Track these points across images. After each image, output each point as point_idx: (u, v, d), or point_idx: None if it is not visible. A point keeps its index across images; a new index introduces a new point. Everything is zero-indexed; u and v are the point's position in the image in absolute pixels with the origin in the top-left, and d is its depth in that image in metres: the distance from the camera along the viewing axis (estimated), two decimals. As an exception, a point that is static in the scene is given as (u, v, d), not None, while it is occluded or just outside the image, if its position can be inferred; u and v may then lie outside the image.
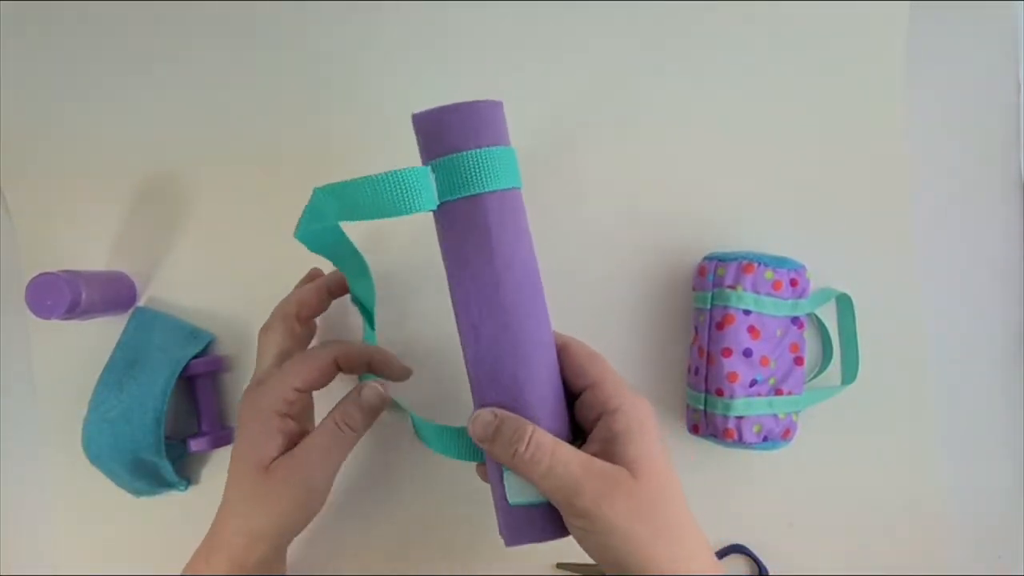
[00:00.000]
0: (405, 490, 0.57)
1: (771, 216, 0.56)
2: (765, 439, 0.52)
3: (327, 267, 0.51)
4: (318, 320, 0.53)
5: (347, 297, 0.52)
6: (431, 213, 0.42)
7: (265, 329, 0.49)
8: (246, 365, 0.57)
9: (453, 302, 0.43)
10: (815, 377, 0.56)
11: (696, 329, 0.54)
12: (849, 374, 0.56)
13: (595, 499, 0.37)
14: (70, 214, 0.58)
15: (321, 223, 0.41)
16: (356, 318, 0.56)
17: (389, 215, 0.39)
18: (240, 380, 0.57)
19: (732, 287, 0.51)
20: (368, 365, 0.49)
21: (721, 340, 0.52)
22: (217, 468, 0.57)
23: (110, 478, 0.56)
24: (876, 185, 0.56)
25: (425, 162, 0.41)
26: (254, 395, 0.45)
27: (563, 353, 0.43)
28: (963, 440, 0.56)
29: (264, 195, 0.57)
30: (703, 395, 0.52)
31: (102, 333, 0.56)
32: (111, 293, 0.55)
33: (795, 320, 0.54)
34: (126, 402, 0.55)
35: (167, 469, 0.55)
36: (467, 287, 0.42)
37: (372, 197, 0.39)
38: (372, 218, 0.39)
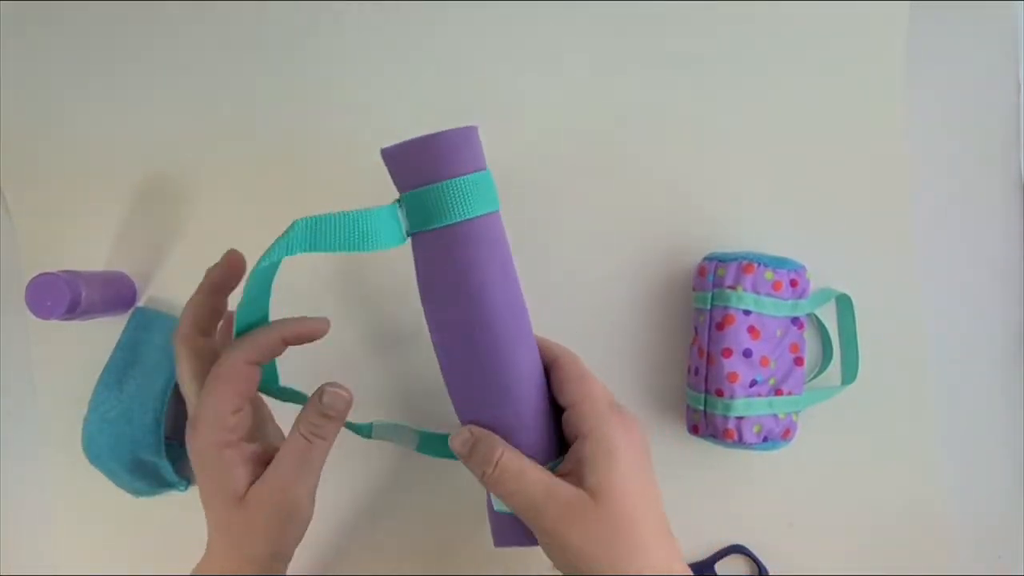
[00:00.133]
0: (405, 490, 0.57)
1: (771, 216, 0.56)
2: (765, 439, 0.52)
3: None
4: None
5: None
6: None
7: (176, 360, 0.44)
8: (246, 365, 0.57)
9: (428, 325, 0.43)
10: (815, 377, 0.56)
11: (696, 329, 0.54)
12: (849, 374, 0.56)
13: (555, 522, 0.39)
14: (70, 214, 0.58)
15: (288, 254, 0.40)
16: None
17: (355, 251, 0.40)
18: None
19: (732, 287, 0.51)
20: (284, 342, 0.44)
21: (721, 340, 0.52)
22: (217, 468, 0.57)
23: (110, 478, 0.56)
24: (876, 185, 0.56)
25: (400, 192, 0.42)
26: (193, 440, 0.41)
27: (552, 368, 0.43)
28: (963, 440, 0.56)
29: (264, 195, 0.57)
30: (703, 395, 0.52)
31: (102, 333, 0.56)
32: (111, 293, 0.55)
33: (795, 320, 0.54)
34: (126, 402, 0.55)
35: (167, 469, 0.55)
36: (441, 315, 0.42)
37: (337, 235, 0.39)
38: (339, 251, 0.40)
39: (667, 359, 0.56)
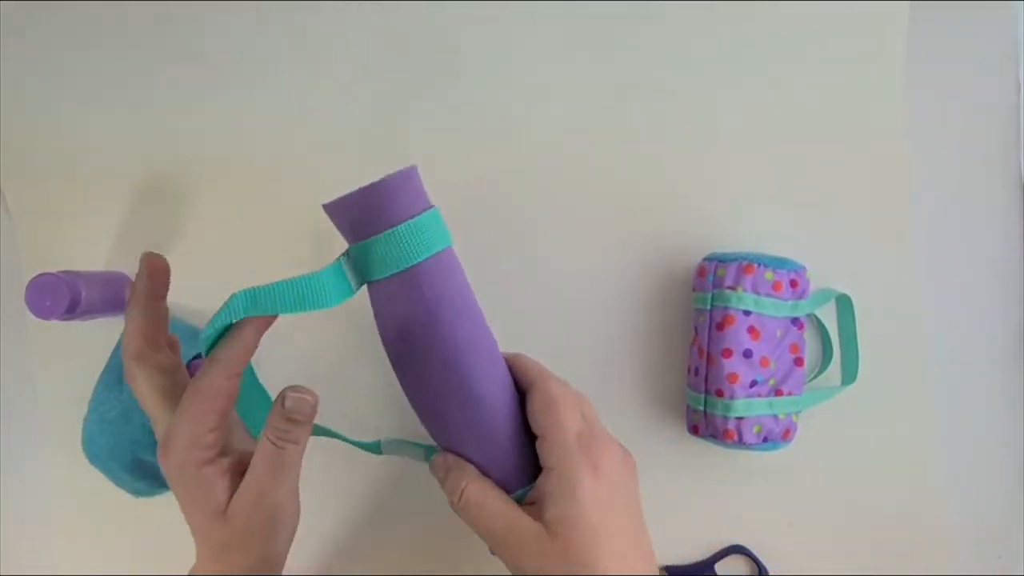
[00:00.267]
0: (405, 492, 0.57)
1: (771, 216, 0.56)
2: (765, 439, 0.52)
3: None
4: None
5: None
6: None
7: (130, 379, 0.43)
8: (246, 365, 0.57)
9: (392, 366, 0.43)
10: (815, 377, 0.56)
11: (696, 330, 0.54)
12: (849, 374, 0.56)
13: (513, 554, 0.41)
14: (70, 214, 0.58)
15: (233, 319, 0.40)
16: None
17: (302, 312, 0.39)
18: (240, 380, 0.57)
19: (732, 288, 0.51)
20: (257, 332, 0.42)
21: (721, 341, 0.52)
22: (217, 468, 0.57)
23: (110, 478, 0.56)
24: (876, 185, 0.56)
25: (348, 243, 0.42)
26: (166, 460, 0.40)
27: (527, 395, 0.44)
28: (963, 440, 0.56)
29: (264, 195, 0.57)
30: (703, 396, 0.52)
31: (102, 333, 0.56)
32: (111, 293, 0.55)
33: (795, 321, 0.54)
34: (126, 402, 0.55)
35: (167, 469, 0.55)
36: (403, 357, 0.42)
37: (280, 303, 0.39)
38: (287, 313, 0.40)
39: (667, 359, 0.56)
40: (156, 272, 0.43)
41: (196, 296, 0.57)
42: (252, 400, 0.47)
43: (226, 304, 0.40)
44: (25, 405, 0.58)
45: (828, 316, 0.56)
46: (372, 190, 0.40)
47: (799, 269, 0.53)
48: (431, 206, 0.42)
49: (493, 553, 0.43)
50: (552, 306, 0.57)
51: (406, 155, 0.57)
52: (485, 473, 0.44)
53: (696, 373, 0.53)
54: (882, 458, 0.56)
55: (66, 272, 0.51)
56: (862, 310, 0.56)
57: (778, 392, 0.53)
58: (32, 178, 0.58)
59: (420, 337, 0.41)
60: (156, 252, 0.43)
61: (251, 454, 0.41)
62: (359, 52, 0.58)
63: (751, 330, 0.51)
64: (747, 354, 0.51)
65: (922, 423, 0.56)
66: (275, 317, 0.42)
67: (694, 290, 0.55)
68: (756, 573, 0.56)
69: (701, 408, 0.53)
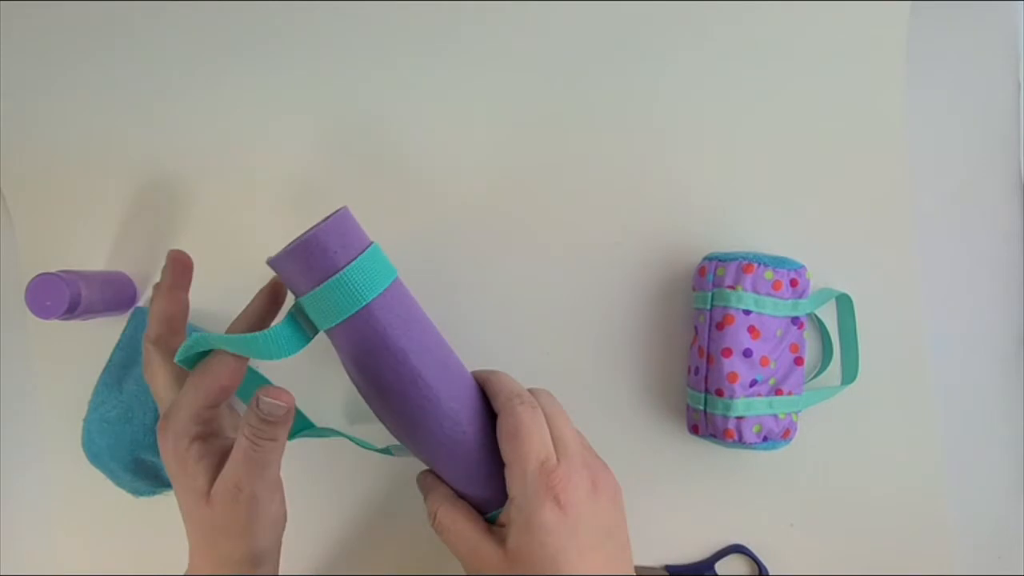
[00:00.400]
0: (405, 492, 0.57)
1: (771, 216, 0.56)
2: (765, 439, 0.52)
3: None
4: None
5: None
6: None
7: (147, 363, 0.46)
8: (246, 365, 0.57)
9: (362, 397, 0.44)
10: (815, 377, 0.56)
11: (696, 329, 0.54)
12: (849, 374, 0.56)
13: (476, 573, 0.42)
14: (70, 214, 0.58)
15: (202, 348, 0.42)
16: None
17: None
18: (240, 380, 0.57)
19: (732, 287, 0.51)
20: (272, 300, 0.45)
21: (721, 340, 0.52)
22: (217, 468, 0.57)
23: (110, 478, 0.56)
24: (876, 185, 0.56)
25: (296, 297, 0.42)
26: (166, 434, 0.42)
27: (497, 420, 0.44)
28: (963, 440, 0.56)
29: (264, 195, 0.57)
30: (703, 395, 0.52)
31: (102, 333, 0.56)
32: (111, 293, 0.55)
33: (795, 320, 0.54)
34: (126, 402, 0.55)
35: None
36: (372, 392, 0.43)
37: (238, 350, 0.42)
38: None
39: (667, 359, 0.56)
40: (178, 265, 0.46)
41: (196, 296, 0.57)
42: (252, 389, 0.47)
43: (184, 347, 0.42)
44: (25, 405, 0.58)
45: (828, 316, 0.56)
46: (306, 243, 0.40)
47: (799, 268, 0.53)
48: (369, 244, 0.42)
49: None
50: (552, 306, 0.57)
51: (406, 153, 0.57)
52: (461, 493, 0.44)
53: (696, 373, 0.53)
54: (882, 458, 0.56)
55: (66, 272, 0.51)
56: (862, 310, 0.56)
57: (778, 392, 0.53)
58: (32, 178, 0.58)
59: (380, 372, 0.42)
60: (181, 249, 0.47)
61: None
62: (359, 51, 0.58)
63: (751, 329, 0.51)
64: (747, 353, 0.51)
65: (922, 423, 0.56)
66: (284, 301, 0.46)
67: (694, 290, 0.55)
68: (756, 573, 0.56)
69: (701, 408, 0.53)
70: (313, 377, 0.55)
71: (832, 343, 0.56)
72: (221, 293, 0.57)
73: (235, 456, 0.41)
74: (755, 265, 0.52)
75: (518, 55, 0.57)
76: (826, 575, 0.56)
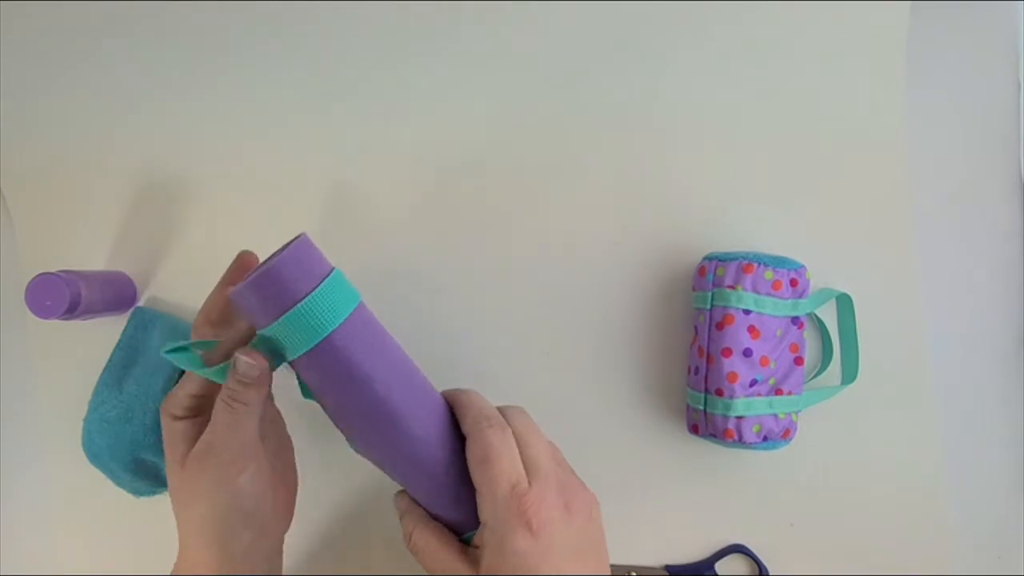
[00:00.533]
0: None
1: (771, 216, 0.56)
2: (765, 439, 0.52)
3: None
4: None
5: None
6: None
7: None
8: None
9: (331, 420, 0.44)
10: (815, 377, 0.56)
11: (696, 329, 0.54)
12: (849, 374, 0.56)
13: None
14: (70, 214, 0.58)
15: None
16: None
17: None
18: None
19: (732, 287, 0.51)
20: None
21: (721, 340, 0.52)
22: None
23: (110, 478, 0.56)
24: (876, 185, 0.56)
25: (258, 330, 0.42)
26: (163, 408, 0.45)
27: (466, 445, 0.44)
28: (963, 440, 0.56)
29: (264, 195, 0.57)
30: (703, 395, 0.52)
31: (102, 333, 0.56)
32: (111, 293, 0.55)
33: (795, 320, 0.54)
34: (126, 402, 0.55)
35: (167, 469, 0.55)
36: (342, 418, 0.43)
37: (210, 378, 0.43)
38: None
39: (667, 359, 0.56)
40: (244, 268, 0.48)
41: (196, 296, 0.57)
42: None
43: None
44: (25, 405, 0.58)
45: (828, 316, 0.56)
46: (264, 276, 0.40)
47: (799, 268, 0.53)
48: (330, 270, 0.42)
49: None
50: (552, 306, 0.57)
51: (406, 153, 0.57)
52: (435, 515, 0.44)
53: (696, 372, 0.53)
54: (882, 458, 0.56)
55: (66, 272, 0.51)
56: (862, 310, 0.56)
57: (778, 391, 0.53)
58: (32, 178, 0.58)
59: (346, 400, 0.42)
60: (251, 251, 0.49)
61: None
62: (359, 51, 0.58)
63: (751, 329, 0.51)
64: (747, 353, 0.51)
65: (922, 423, 0.56)
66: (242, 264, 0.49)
67: (694, 289, 0.55)
68: (756, 573, 0.56)
69: (701, 407, 0.53)
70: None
71: (832, 343, 0.56)
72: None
73: (211, 420, 0.43)
74: (755, 265, 0.52)
75: (518, 55, 0.58)
76: (826, 575, 0.56)
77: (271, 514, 0.45)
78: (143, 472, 0.55)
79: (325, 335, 0.40)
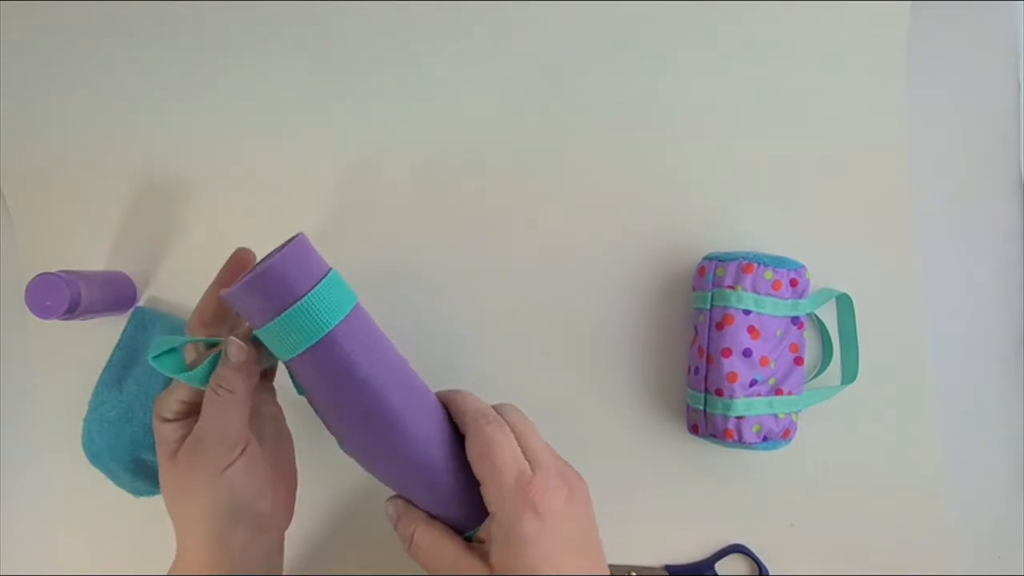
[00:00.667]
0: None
1: (771, 216, 0.56)
2: (765, 439, 0.52)
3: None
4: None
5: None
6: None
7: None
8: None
9: (328, 428, 0.44)
10: (815, 377, 0.56)
11: (696, 329, 0.54)
12: (849, 374, 0.56)
13: None
14: (70, 214, 0.58)
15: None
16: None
17: None
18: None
19: (732, 287, 0.51)
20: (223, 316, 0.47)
21: (721, 340, 0.52)
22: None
23: (110, 478, 0.56)
24: (876, 185, 0.56)
25: (254, 330, 0.42)
26: (153, 410, 0.45)
27: (466, 441, 0.44)
28: (963, 440, 0.56)
29: (264, 195, 0.57)
30: (703, 395, 0.52)
31: (102, 333, 0.56)
32: (111, 293, 0.55)
33: (795, 320, 0.54)
34: (126, 402, 0.55)
35: (167, 469, 0.55)
36: (337, 421, 0.43)
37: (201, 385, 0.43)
38: None
39: (667, 359, 0.56)
40: (240, 265, 0.47)
41: (196, 296, 0.57)
42: None
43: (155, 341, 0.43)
44: (25, 405, 0.58)
45: (828, 316, 0.56)
46: (263, 273, 0.40)
47: (799, 268, 0.53)
48: (328, 270, 0.42)
49: None
50: (552, 306, 0.57)
51: (406, 153, 0.57)
52: (434, 517, 0.44)
53: (696, 372, 0.53)
54: (882, 458, 0.56)
55: (66, 272, 0.51)
56: (862, 310, 0.56)
57: (778, 391, 0.53)
58: (32, 178, 0.58)
59: (344, 400, 0.42)
60: (247, 248, 0.47)
61: None
62: (359, 51, 0.58)
63: (751, 329, 0.51)
64: (747, 353, 0.51)
65: (922, 423, 0.56)
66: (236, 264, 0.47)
67: (694, 290, 0.55)
68: (756, 573, 0.56)
69: (701, 407, 0.53)
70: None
71: (832, 343, 0.56)
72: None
73: (201, 414, 0.43)
74: (755, 265, 0.52)
75: (518, 55, 0.58)
76: (826, 575, 0.56)
77: (268, 511, 0.45)
78: (143, 472, 0.55)
79: (324, 334, 0.40)
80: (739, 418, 0.51)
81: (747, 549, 0.56)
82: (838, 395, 0.55)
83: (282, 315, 0.40)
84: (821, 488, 0.56)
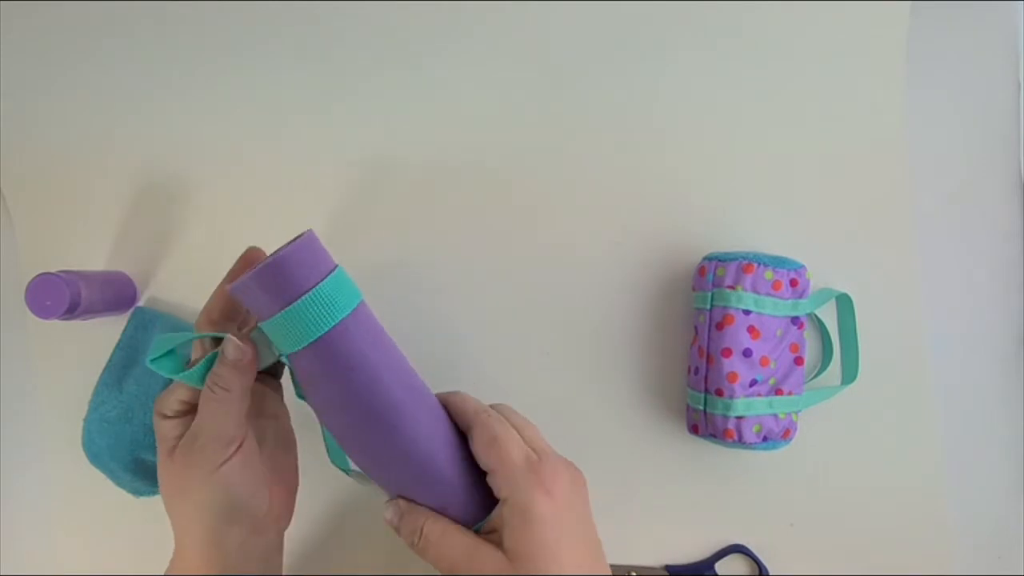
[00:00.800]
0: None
1: (771, 216, 0.56)
2: (765, 439, 0.52)
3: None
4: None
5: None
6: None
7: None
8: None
9: (327, 426, 0.44)
10: (815, 377, 0.56)
11: (696, 329, 0.54)
12: (849, 374, 0.56)
13: None
14: (70, 214, 0.58)
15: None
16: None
17: None
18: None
19: (732, 287, 0.51)
20: (229, 314, 0.46)
21: (721, 340, 0.52)
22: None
23: (110, 478, 0.56)
24: (876, 185, 0.56)
25: (258, 322, 0.42)
26: (154, 408, 0.46)
27: (469, 434, 0.44)
28: (963, 440, 0.56)
29: (264, 195, 0.57)
30: (703, 395, 0.52)
31: (102, 333, 0.56)
32: (111, 293, 0.55)
33: (795, 320, 0.54)
34: (126, 402, 0.55)
35: (167, 469, 0.55)
36: (337, 418, 0.43)
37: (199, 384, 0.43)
38: None
39: (667, 359, 0.56)
40: (246, 263, 0.46)
41: (196, 296, 0.57)
42: None
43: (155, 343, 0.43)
44: (25, 405, 0.58)
45: (828, 316, 0.56)
46: (275, 264, 0.40)
47: (799, 268, 0.53)
48: (334, 267, 0.42)
49: None
50: (552, 306, 0.57)
51: (406, 153, 0.58)
52: (439, 513, 0.44)
53: (696, 372, 0.53)
54: (882, 458, 0.56)
55: (66, 272, 0.51)
56: (862, 310, 0.56)
57: (778, 391, 0.53)
58: (32, 178, 0.58)
59: (348, 395, 0.42)
60: (258, 247, 0.47)
61: None
62: (359, 51, 0.58)
63: (751, 329, 0.51)
64: (747, 353, 0.51)
65: (922, 423, 0.56)
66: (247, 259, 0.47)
67: (694, 290, 0.55)
68: (756, 573, 0.56)
69: (701, 407, 0.53)
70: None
71: (832, 343, 0.56)
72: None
73: (198, 412, 0.43)
74: (755, 265, 0.52)
75: (518, 55, 0.58)
76: (826, 575, 0.56)
77: (264, 510, 0.45)
78: (143, 472, 0.55)
79: (334, 324, 0.40)
80: (739, 418, 0.51)
81: (747, 549, 0.56)
82: (838, 395, 0.55)
83: (291, 305, 0.40)
84: (821, 488, 0.56)
